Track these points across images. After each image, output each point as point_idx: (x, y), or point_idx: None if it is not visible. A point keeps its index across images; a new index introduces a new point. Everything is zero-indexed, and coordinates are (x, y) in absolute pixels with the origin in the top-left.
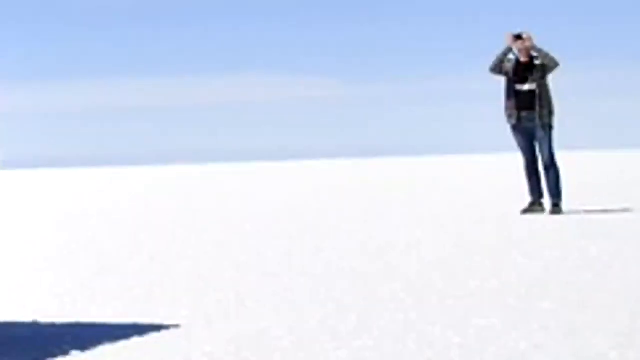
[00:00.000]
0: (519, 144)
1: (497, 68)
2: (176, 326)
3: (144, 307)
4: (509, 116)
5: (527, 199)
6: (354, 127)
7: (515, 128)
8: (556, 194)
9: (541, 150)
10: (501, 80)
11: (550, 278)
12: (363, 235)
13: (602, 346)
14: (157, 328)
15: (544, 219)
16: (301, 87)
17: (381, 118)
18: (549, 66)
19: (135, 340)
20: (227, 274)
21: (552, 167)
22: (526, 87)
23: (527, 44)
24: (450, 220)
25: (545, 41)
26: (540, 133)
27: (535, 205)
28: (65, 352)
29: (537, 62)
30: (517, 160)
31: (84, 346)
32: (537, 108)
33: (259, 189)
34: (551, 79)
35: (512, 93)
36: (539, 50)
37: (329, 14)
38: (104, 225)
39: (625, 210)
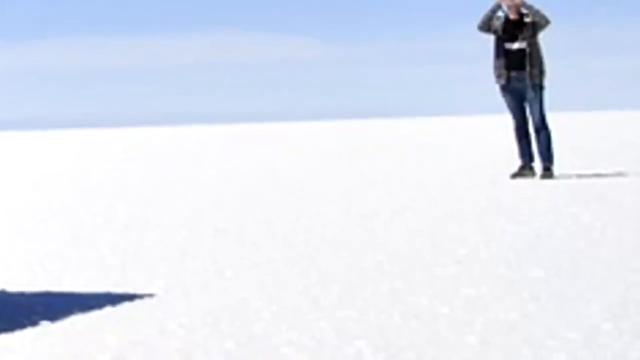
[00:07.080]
0: (509, 105)
1: (486, 26)
2: (151, 296)
3: (118, 276)
4: (498, 76)
5: (517, 162)
6: (338, 89)
7: (504, 88)
8: (547, 157)
9: (532, 112)
10: (490, 39)
11: (541, 246)
12: (346, 202)
13: (595, 317)
14: (132, 298)
15: (534, 183)
16: (283, 46)
17: (366, 79)
18: (539, 24)
19: (108, 310)
20: (205, 243)
21: (543, 129)
22: (516, 45)
23: (517, 0)
24: (437, 185)
25: None
26: (530, 94)
27: (525, 169)
28: (35, 323)
29: (527, 19)
30: (507, 122)
31: (54, 317)
32: (527, 67)
33: (238, 153)
34: (542, 37)
35: (501, 52)
36: (529, 7)
37: None
38: (77, 191)
39: (619, 174)
